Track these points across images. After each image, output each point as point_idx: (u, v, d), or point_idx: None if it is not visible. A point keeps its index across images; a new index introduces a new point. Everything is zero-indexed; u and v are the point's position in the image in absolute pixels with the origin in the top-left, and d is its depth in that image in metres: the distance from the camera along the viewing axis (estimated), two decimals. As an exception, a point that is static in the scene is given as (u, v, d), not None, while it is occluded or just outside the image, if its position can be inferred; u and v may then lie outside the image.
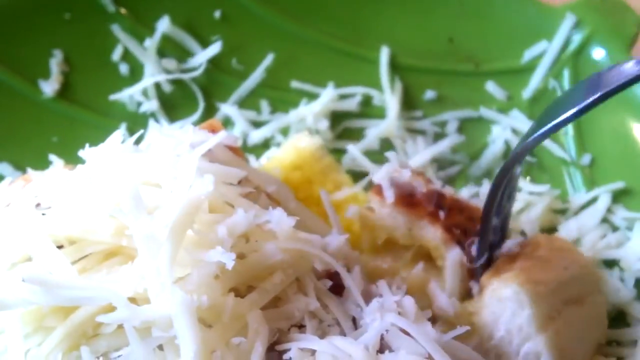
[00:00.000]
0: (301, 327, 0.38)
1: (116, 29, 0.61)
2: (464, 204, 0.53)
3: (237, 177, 0.42)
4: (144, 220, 0.37)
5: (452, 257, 0.50)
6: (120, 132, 0.43)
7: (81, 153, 0.43)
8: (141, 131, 0.46)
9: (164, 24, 0.61)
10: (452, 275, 0.51)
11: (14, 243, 0.39)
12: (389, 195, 0.50)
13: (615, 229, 0.54)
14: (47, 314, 0.37)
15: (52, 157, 0.49)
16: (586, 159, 0.58)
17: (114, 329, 0.36)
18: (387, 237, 0.51)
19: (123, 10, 0.61)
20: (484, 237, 0.51)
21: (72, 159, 0.56)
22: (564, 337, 0.49)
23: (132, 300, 0.36)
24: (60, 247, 0.38)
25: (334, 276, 0.40)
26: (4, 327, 0.37)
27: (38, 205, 0.41)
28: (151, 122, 0.45)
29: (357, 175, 0.58)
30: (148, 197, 0.39)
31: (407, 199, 0.52)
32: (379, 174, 0.50)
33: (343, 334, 0.38)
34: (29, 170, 0.47)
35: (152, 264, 0.36)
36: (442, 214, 0.51)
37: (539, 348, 0.49)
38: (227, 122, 0.61)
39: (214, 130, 0.47)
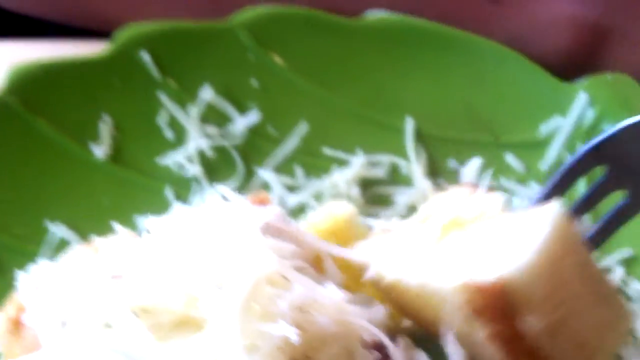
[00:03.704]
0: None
1: (162, 96, 0.65)
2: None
3: (291, 252, 0.46)
4: (215, 293, 0.41)
5: None
6: (182, 206, 0.47)
7: (146, 223, 0.47)
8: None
9: (206, 93, 0.65)
10: None
11: (92, 311, 0.43)
12: None
13: (629, 299, 0.59)
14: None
15: (116, 225, 0.52)
16: (597, 228, 0.62)
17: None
18: None
19: (169, 79, 0.65)
20: None
21: (123, 219, 0.60)
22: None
23: (205, 369, 0.40)
24: (132, 314, 0.42)
25: (379, 347, 0.44)
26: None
27: (112, 275, 0.45)
28: (211, 195, 0.49)
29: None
30: (215, 269, 0.43)
31: None
32: None
33: (391, 405, 0.42)
34: (95, 238, 0.51)
35: (223, 335, 0.40)
36: None
37: None
38: (265, 187, 0.65)
39: (263, 202, 0.51)
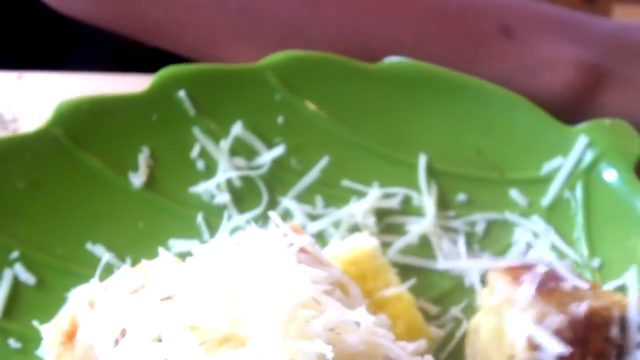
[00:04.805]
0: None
1: (196, 131, 0.71)
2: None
3: (323, 278, 0.51)
4: (258, 314, 0.46)
5: None
6: (224, 235, 0.53)
7: (192, 249, 0.53)
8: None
9: (237, 128, 0.71)
10: None
11: (145, 327, 0.48)
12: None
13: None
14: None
15: (161, 250, 0.57)
16: (596, 262, 0.68)
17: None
18: None
19: (203, 115, 0.71)
20: None
21: (157, 242, 0.66)
22: None
23: (248, 381, 0.45)
24: (182, 331, 0.47)
25: (401, 364, 0.50)
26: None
27: (161, 296, 0.50)
28: (250, 228, 0.54)
29: (403, 270, 0.67)
30: (257, 292, 0.48)
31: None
32: None
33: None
34: (143, 262, 0.56)
35: (265, 352, 0.45)
36: None
37: None
38: (287, 214, 0.71)
39: (296, 231, 0.57)
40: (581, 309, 0.52)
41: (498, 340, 0.55)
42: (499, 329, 0.55)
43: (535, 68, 0.76)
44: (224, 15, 0.78)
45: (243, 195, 0.71)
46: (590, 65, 0.75)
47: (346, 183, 0.72)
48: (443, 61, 0.73)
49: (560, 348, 0.50)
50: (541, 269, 0.55)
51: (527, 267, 0.56)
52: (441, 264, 0.69)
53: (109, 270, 0.64)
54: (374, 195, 0.71)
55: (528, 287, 0.54)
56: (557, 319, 0.52)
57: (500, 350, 0.54)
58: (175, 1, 0.78)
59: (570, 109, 0.76)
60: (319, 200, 0.72)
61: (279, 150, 0.72)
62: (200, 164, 0.71)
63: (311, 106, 0.72)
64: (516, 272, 0.57)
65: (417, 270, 0.69)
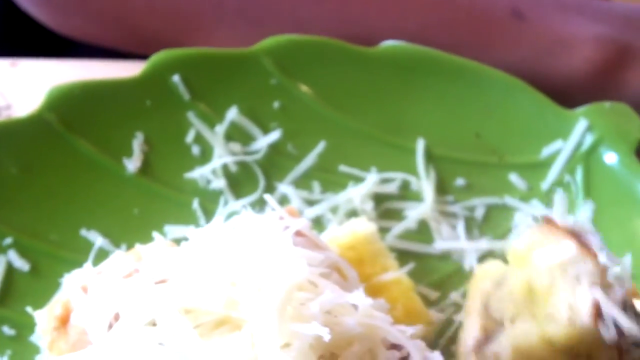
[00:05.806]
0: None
1: (191, 116, 0.70)
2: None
3: (319, 260, 0.50)
4: (253, 297, 0.45)
5: None
6: (220, 218, 0.52)
7: (187, 233, 0.52)
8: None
9: (232, 113, 0.70)
10: None
11: (139, 311, 0.47)
12: None
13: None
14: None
15: (156, 235, 0.56)
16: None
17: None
18: None
19: (198, 100, 0.70)
20: None
21: (152, 228, 0.65)
22: None
23: (244, 363, 0.44)
24: (176, 315, 0.47)
25: (398, 348, 0.49)
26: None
27: (156, 280, 0.49)
28: (245, 211, 0.53)
29: (401, 255, 0.67)
30: (252, 275, 0.47)
31: None
32: None
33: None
34: (136, 245, 0.55)
35: (261, 334, 0.44)
36: None
37: None
38: (284, 200, 0.70)
39: (292, 214, 0.56)
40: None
41: (533, 297, 0.53)
42: (543, 285, 0.53)
43: (554, 48, 0.75)
44: (224, 20, 0.77)
45: (239, 181, 0.70)
46: (609, 40, 0.74)
47: (343, 168, 0.71)
48: (455, 50, 0.72)
49: (629, 324, 0.49)
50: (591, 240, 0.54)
51: (576, 233, 0.54)
52: (439, 244, 0.68)
53: (103, 257, 0.64)
54: (371, 180, 0.71)
55: (602, 255, 0.52)
56: (621, 294, 0.50)
57: (533, 306, 0.53)
58: (173, 11, 0.77)
59: (593, 87, 0.75)
60: (316, 185, 0.71)
61: (275, 136, 0.71)
62: (195, 149, 0.70)
63: (307, 91, 0.71)
64: (573, 235, 0.54)
65: (416, 256, 0.68)
